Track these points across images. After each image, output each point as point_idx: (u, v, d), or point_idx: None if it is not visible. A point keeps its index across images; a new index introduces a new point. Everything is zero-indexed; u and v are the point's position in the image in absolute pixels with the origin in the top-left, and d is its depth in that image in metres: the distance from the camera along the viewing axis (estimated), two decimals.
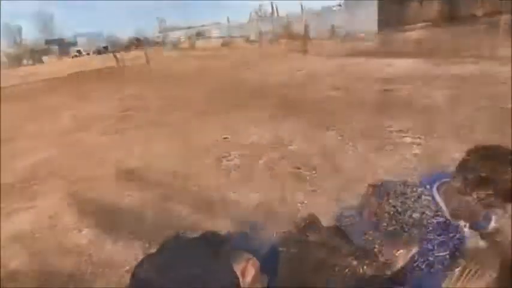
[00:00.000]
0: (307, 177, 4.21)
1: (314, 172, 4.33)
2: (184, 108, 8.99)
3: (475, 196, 1.42)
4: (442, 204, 1.53)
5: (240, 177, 4.39)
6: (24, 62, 79.24)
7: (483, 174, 1.39)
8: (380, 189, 1.20)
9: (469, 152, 1.49)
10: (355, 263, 1.05)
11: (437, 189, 1.56)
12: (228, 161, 4.89)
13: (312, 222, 1.13)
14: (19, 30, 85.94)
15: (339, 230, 1.13)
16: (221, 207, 3.78)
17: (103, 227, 3.70)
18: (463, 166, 1.48)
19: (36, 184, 5.28)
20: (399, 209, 1.15)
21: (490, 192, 1.38)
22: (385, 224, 1.13)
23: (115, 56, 26.94)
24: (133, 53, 37.67)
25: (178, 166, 5.08)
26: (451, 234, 1.57)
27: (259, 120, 6.80)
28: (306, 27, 23.29)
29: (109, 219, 3.86)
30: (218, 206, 3.80)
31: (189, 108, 8.87)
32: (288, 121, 6.50)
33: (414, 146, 4.85)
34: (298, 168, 4.44)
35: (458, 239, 1.61)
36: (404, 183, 1.25)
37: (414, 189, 1.25)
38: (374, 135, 5.34)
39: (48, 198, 4.67)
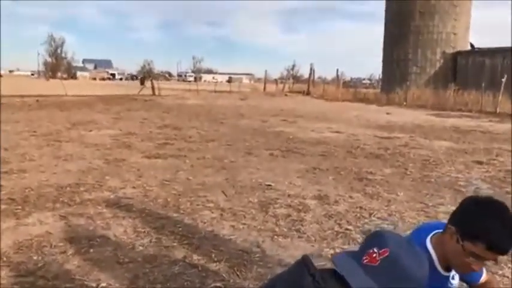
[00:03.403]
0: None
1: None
2: (226, 144, 9.09)
3: (467, 249, 1.39)
4: (433, 255, 1.52)
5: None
6: (59, 74, 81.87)
7: (476, 228, 1.37)
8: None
9: (462, 204, 1.49)
10: None
11: (431, 239, 1.55)
12: (275, 208, 4.83)
13: (304, 264, 1.09)
14: (62, 42, 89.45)
15: (334, 274, 1.08)
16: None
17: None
18: (456, 218, 1.48)
19: (85, 191, 5.30)
20: None
21: (483, 245, 1.36)
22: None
23: (152, 85, 27.59)
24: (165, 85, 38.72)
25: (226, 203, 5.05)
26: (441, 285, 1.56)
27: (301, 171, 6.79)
28: None
29: None
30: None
31: (231, 145, 8.98)
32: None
33: None
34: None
35: None
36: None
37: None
38: None
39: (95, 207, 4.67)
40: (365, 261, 1.07)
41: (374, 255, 1.07)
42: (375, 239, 1.11)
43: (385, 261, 1.05)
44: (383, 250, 1.06)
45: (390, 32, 30.61)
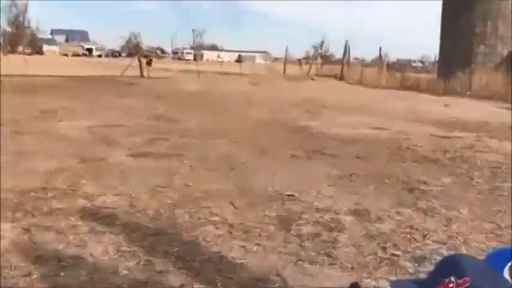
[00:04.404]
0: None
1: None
2: (234, 142, 9.12)
3: None
4: None
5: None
6: (20, 48, 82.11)
7: None
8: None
9: None
10: None
11: (510, 269, 1.52)
12: (299, 225, 4.82)
13: None
14: (25, 8, 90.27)
15: None
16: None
17: None
18: None
19: (54, 197, 5.35)
20: None
21: None
22: None
23: (140, 65, 27.78)
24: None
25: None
26: None
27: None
28: None
29: None
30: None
31: (241, 143, 9.01)
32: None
33: None
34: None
35: None
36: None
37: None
38: None
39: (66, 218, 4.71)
40: None
41: (451, 285, 1.05)
42: (452, 265, 1.09)
43: None
44: (463, 280, 1.04)
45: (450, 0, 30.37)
